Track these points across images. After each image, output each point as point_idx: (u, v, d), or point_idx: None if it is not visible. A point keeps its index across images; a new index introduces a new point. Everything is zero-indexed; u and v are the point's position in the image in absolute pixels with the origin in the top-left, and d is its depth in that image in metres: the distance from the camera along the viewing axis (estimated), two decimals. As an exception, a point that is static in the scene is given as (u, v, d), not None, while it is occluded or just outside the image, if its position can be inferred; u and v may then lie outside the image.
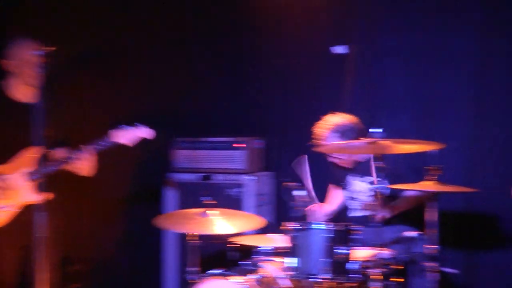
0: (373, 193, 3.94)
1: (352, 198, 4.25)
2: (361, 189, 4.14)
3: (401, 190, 4.02)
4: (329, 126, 4.12)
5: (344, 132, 4.07)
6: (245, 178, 4.86)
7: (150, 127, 3.74)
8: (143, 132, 3.72)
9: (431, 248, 3.51)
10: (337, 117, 4.15)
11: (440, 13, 4.51)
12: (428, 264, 3.50)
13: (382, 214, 3.99)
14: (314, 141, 4.14)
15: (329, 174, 4.39)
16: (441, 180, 3.57)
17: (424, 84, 4.58)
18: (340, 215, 4.40)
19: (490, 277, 4.32)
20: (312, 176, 4.00)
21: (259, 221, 3.66)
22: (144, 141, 3.76)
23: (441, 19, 4.51)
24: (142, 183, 5.15)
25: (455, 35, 4.47)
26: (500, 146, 4.33)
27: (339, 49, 4.81)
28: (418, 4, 4.58)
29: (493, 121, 4.36)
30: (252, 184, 4.85)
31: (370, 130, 3.44)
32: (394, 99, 4.63)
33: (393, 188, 3.83)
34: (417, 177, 3.64)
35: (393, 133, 3.77)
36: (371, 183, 4.05)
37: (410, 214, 4.12)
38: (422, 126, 4.57)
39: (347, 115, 4.14)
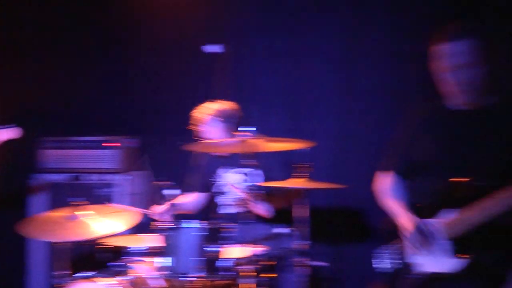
0: (246, 188, 4.00)
1: (223, 193, 4.27)
2: (234, 181, 4.16)
3: (274, 188, 4.10)
4: (211, 111, 4.13)
5: (227, 117, 4.10)
6: (118, 178, 4.78)
7: (17, 126, 3.58)
8: (9, 134, 3.54)
9: (301, 243, 3.61)
10: (218, 103, 4.16)
11: (311, 14, 4.66)
12: (299, 259, 3.60)
13: (256, 210, 4.07)
14: (193, 126, 4.14)
15: (194, 169, 4.38)
16: (310, 177, 3.69)
17: (295, 84, 4.72)
18: (209, 212, 4.42)
19: (354, 268, 4.51)
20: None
21: (133, 216, 3.56)
22: (9, 141, 3.59)
23: (311, 21, 4.66)
24: (6, 185, 4.91)
25: (325, 37, 4.63)
26: (365, 144, 4.53)
27: (212, 48, 4.85)
28: (289, 6, 4.71)
29: (359, 121, 4.56)
30: (125, 184, 4.78)
31: (241, 128, 3.48)
32: (266, 99, 4.73)
33: (266, 186, 3.91)
34: (289, 175, 3.76)
35: (264, 132, 3.86)
36: (246, 174, 4.11)
37: (281, 210, 4.23)
38: (293, 125, 4.70)
39: (227, 101, 4.17)
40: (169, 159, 5.03)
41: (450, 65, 2.67)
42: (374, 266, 2.99)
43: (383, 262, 2.96)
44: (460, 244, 2.64)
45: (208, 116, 4.13)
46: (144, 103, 5.15)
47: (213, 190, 4.28)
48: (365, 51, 4.53)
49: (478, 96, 2.69)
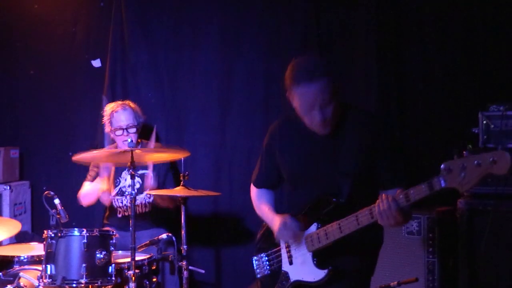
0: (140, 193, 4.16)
1: (123, 194, 4.35)
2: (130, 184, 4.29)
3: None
4: (130, 107, 4.33)
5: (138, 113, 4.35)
6: (-3, 187, 4.71)
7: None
8: None
9: (181, 248, 3.80)
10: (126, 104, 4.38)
11: (188, 31, 4.80)
12: (179, 263, 3.77)
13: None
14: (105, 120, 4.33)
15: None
16: (188, 185, 3.89)
17: (176, 96, 4.84)
18: (103, 217, 4.51)
19: (232, 272, 4.68)
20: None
21: (14, 226, 3.58)
22: None
23: (190, 37, 4.80)
24: None
25: (204, 52, 4.77)
26: (243, 152, 4.71)
27: (96, 63, 4.96)
28: (167, 23, 4.84)
29: (237, 131, 4.74)
30: (5, 194, 4.74)
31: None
32: (149, 111, 4.77)
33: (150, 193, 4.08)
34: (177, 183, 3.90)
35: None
36: (139, 176, 4.26)
37: (163, 217, 4.40)
38: (174, 136, 4.83)
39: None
40: (49, 168, 5.07)
41: (309, 105, 2.64)
42: (255, 270, 3.07)
43: (261, 267, 3.05)
44: (320, 256, 2.77)
45: (127, 112, 4.31)
46: (27, 113, 5.13)
47: (116, 192, 4.36)
48: (241, 67, 4.71)
49: (333, 123, 2.74)
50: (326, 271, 2.74)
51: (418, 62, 4.36)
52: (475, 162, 2.31)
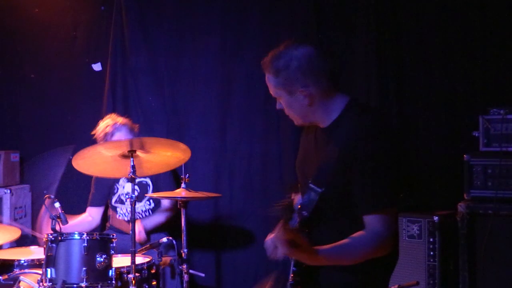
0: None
1: (122, 202, 4.37)
2: (127, 191, 4.30)
3: (159, 199, 4.29)
4: (122, 123, 4.25)
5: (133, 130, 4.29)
6: (-1, 191, 4.70)
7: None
8: None
9: (181, 252, 3.80)
10: (120, 118, 4.32)
11: (189, 35, 4.82)
12: (179, 267, 3.77)
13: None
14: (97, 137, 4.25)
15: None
16: (189, 188, 3.89)
17: (176, 100, 4.87)
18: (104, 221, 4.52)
19: (232, 275, 4.69)
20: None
21: (13, 232, 3.60)
22: None
23: (190, 41, 4.82)
24: None
25: (204, 57, 4.80)
26: (243, 157, 4.73)
27: (97, 66, 4.97)
28: (168, 27, 4.87)
29: (237, 135, 4.76)
30: (6, 198, 4.71)
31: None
32: (149, 114, 4.84)
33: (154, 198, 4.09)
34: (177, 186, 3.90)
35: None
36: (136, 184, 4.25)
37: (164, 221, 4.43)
38: (174, 139, 4.77)
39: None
40: (49, 173, 5.05)
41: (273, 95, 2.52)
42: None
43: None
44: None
45: (122, 127, 4.24)
46: (27, 116, 5.13)
47: (115, 200, 4.38)
48: (241, 71, 4.73)
49: (306, 121, 2.53)
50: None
51: (418, 66, 4.36)
52: None
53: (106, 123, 4.26)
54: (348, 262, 2.35)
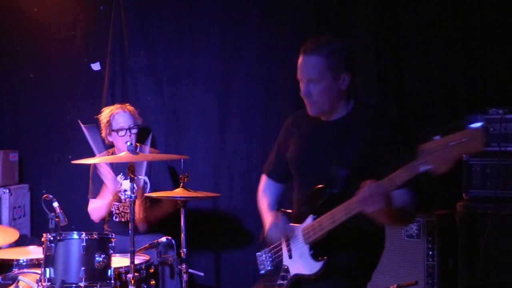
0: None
1: (119, 200, 4.35)
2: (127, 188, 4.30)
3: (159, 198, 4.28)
4: (129, 110, 4.36)
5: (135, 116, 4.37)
6: (-4, 191, 4.71)
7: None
8: None
9: (180, 251, 3.80)
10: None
11: (188, 34, 4.82)
12: (178, 266, 3.77)
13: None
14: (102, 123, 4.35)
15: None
16: (188, 187, 3.89)
17: (175, 100, 4.87)
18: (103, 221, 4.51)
19: (232, 274, 4.69)
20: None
21: (12, 234, 3.59)
22: None
23: (190, 40, 4.82)
24: None
25: (204, 57, 4.79)
26: (242, 156, 4.73)
27: (96, 66, 4.97)
28: (167, 26, 4.86)
29: (237, 135, 4.75)
30: (5, 197, 4.73)
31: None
32: (149, 114, 4.82)
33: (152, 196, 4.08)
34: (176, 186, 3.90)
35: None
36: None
37: (162, 220, 4.41)
38: (174, 139, 4.85)
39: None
40: (48, 172, 5.08)
41: (299, 77, 2.79)
42: (259, 267, 3.05)
43: (264, 263, 3.03)
44: (316, 248, 2.74)
45: (127, 113, 4.34)
46: (26, 116, 5.13)
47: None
48: (241, 70, 4.73)
49: (327, 108, 2.81)
50: (321, 263, 2.71)
51: (417, 65, 4.36)
52: (450, 143, 2.33)
53: (113, 106, 4.42)
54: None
